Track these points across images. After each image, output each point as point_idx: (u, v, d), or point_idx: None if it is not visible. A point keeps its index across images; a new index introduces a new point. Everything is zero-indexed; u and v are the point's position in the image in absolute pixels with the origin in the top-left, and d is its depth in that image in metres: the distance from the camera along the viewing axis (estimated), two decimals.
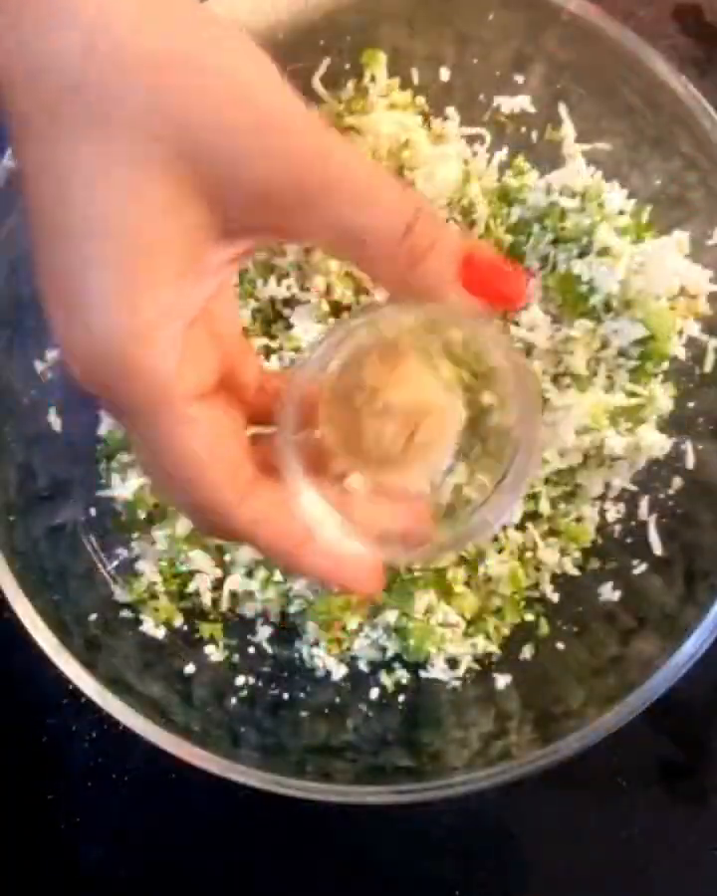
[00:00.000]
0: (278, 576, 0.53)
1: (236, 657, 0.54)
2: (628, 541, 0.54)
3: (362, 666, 0.55)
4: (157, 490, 0.32)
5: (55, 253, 0.27)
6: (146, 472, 0.32)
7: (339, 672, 0.54)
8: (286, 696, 0.53)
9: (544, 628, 0.54)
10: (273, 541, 0.31)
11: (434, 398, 0.33)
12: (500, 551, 0.54)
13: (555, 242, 0.52)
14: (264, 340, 0.52)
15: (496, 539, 0.54)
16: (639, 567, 0.52)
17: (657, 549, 0.52)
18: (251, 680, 0.53)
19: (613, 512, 0.54)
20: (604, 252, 0.50)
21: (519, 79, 0.52)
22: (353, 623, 0.53)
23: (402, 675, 0.54)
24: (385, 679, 0.54)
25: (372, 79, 0.52)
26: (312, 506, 0.31)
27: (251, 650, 0.55)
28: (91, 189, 0.25)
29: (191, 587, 0.54)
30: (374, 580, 0.34)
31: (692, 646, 0.46)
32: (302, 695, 0.54)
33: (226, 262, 0.29)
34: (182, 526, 0.54)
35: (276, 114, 0.26)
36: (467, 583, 0.54)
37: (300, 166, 0.26)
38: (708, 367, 0.51)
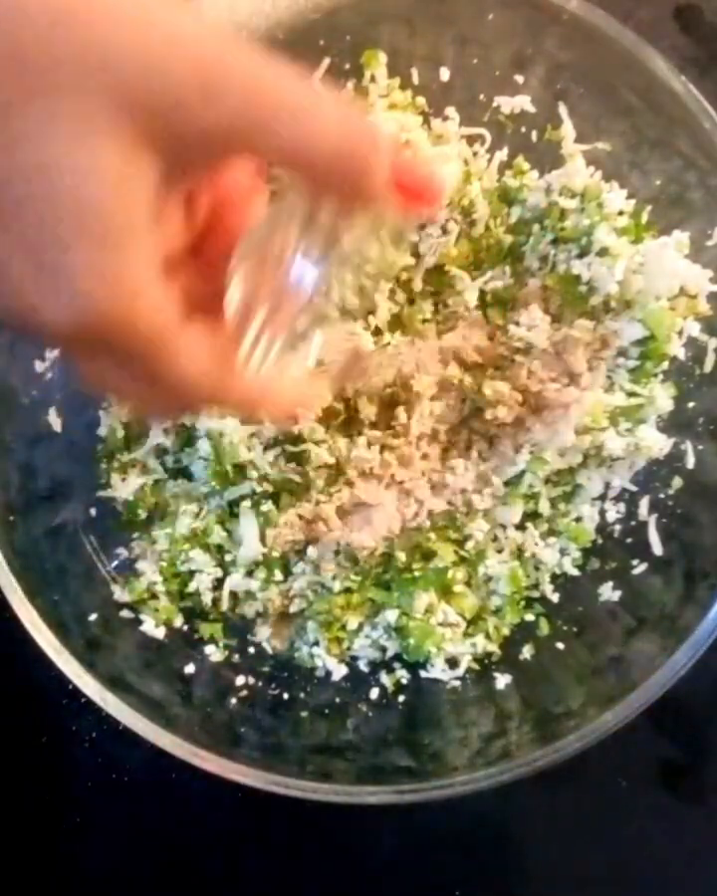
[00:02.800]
0: (278, 576, 0.53)
1: (236, 657, 0.54)
2: (628, 541, 0.54)
3: (362, 666, 0.55)
4: (142, 408, 0.36)
5: (25, 233, 0.27)
6: (132, 396, 0.35)
7: (339, 672, 0.54)
8: (286, 696, 0.53)
9: (544, 628, 0.54)
10: (272, 395, 0.36)
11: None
12: (500, 551, 0.54)
13: (555, 242, 0.52)
14: None
15: (496, 539, 0.54)
16: (639, 567, 0.52)
17: (657, 549, 0.52)
18: (251, 680, 0.53)
19: (613, 512, 0.54)
20: (604, 252, 0.50)
21: (519, 79, 0.52)
22: (353, 623, 0.53)
23: (402, 675, 0.54)
24: (385, 679, 0.54)
25: (372, 79, 0.52)
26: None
27: (251, 650, 0.55)
28: (52, 169, 0.26)
29: (191, 587, 0.54)
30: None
31: (692, 646, 0.46)
32: (302, 695, 0.54)
33: (181, 200, 0.31)
34: (182, 525, 0.54)
35: (212, 55, 0.27)
36: (467, 583, 0.54)
37: (243, 105, 0.27)
38: (708, 367, 0.51)
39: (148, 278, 0.29)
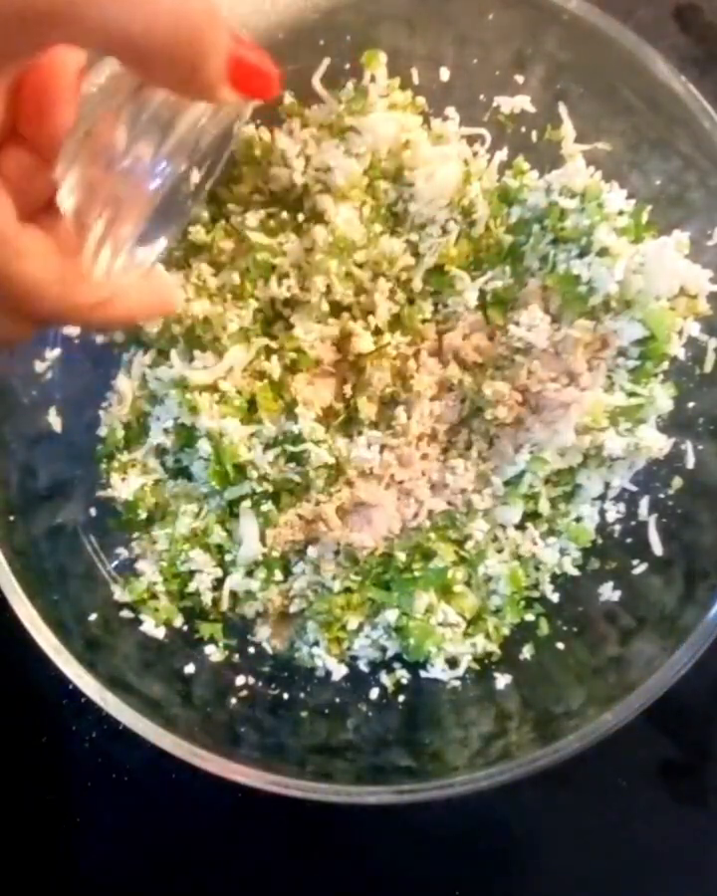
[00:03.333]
0: (278, 576, 0.53)
1: (236, 657, 0.54)
2: (628, 541, 0.54)
3: (362, 666, 0.55)
4: None
5: None
6: None
7: (339, 672, 0.54)
8: (286, 696, 0.53)
9: (544, 628, 0.54)
10: (122, 299, 0.34)
11: None
12: (500, 551, 0.54)
13: (555, 242, 0.52)
14: (264, 341, 0.52)
15: (496, 539, 0.54)
16: (639, 567, 0.52)
17: (657, 549, 0.52)
18: (251, 680, 0.53)
19: (613, 512, 0.54)
20: (604, 252, 0.50)
21: (519, 79, 0.52)
22: (353, 623, 0.53)
23: (402, 675, 0.54)
24: (385, 679, 0.54)
25: (372, 79, 0.52)
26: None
27: (251, 650, 0.55)
28: None
29: (191, 587, 0.54)
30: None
31: (692, 646, 0.46)
32: (302, 695, 0.54)
33: (3, 90, 0.28)
34: (182, 525, 0.54)
35: None
36: (467, 583, 0.54)
37: None
38: (708, 367, 0.51)
39: None
